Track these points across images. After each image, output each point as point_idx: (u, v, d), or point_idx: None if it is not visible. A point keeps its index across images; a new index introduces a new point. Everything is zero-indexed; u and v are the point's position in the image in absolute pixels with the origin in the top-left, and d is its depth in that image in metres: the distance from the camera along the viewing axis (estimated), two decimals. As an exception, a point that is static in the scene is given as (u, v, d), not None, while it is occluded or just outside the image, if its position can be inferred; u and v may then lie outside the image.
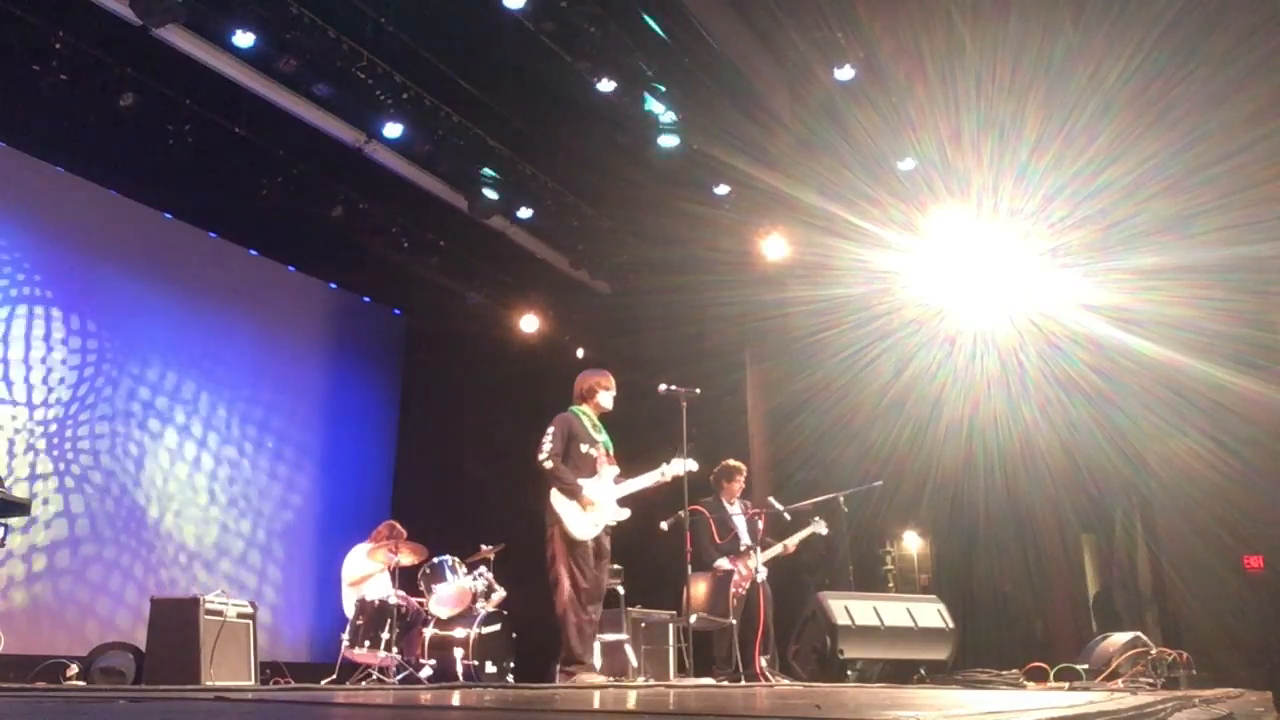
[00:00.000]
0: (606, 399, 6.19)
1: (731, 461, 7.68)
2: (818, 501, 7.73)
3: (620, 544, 8.13)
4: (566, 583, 5.73)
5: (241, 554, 10.12)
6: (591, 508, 5.84)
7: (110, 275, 9.45)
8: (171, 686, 5.54)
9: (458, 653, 7.11)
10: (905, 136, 9.08)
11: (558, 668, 5.81)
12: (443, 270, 10.51)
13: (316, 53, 7.54)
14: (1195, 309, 8.25)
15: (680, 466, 6.19)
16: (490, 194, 9.37)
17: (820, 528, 7.47)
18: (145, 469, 9.39)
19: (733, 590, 7.36)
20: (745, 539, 7.36)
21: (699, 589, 7.24)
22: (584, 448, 5.94)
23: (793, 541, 7.41)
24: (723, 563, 7.27)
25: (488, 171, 9.20)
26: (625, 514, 6.03)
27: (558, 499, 5.81)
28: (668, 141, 8.92)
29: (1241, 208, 8.16)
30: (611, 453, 6.19)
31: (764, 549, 7.35)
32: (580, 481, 5.84)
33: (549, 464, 5.80)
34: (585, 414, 6.11)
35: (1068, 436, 8.99)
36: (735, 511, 7.44)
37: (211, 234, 10.30)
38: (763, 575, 7.09)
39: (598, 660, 7.09)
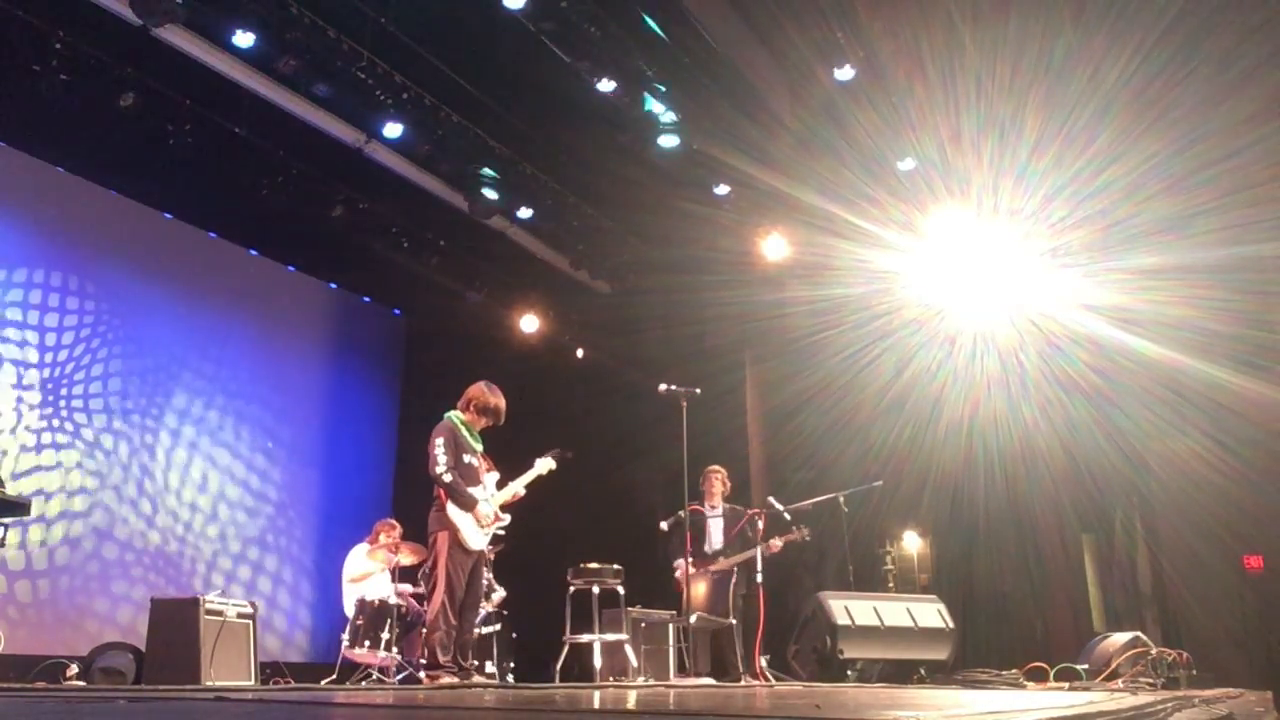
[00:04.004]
0: (481, 422, 6.02)
1: (710, 466, 7.66)
2: (818, 501, 7.74)
3: (621, 544, 8.16)
4: (443, 590, 5.62)
5: (242, 554, 10.12)
6: (484, 519, 5.82)
7: (110, 275, 9.45)
8: (171, 686, 5.54)
9: (458, 653, 7.11)
10: (905, 136, 9.08)
11: (422, 673, 5.75)
12: (443, 270, 10.50)
13: (316, 53, 7.53)
14: (1195, 309, 8.25)
15: (544, 465, 6.17)
16: (490, 194, 9.37)
17: (803, 535, 7.38)
18: (145, 468, 9.39)
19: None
20: (716, 543, 7.37)
21: (699, 589, 7.25)
22: (467, 458, 5.86)
23: (777, 543, 7.37)
24: (679, 563, 7.38)
25: (487, 171, 9.19)
26: (506, 519, 6.02)
27: (454, 511, 5.71)
28: (668, 141, 8.92)
29: (1241, 208, 8.16)
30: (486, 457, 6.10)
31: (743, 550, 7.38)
32: (471, 492, 5.79)
33: (448, 478, 5.69)
34: (464, 423, 5.97)
35: (1068, 436, 8.99)
36: (716, 514, 7.44)
37: (211, 234, 10.29)
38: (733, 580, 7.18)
39: (597, 660, 7.12)
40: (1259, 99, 8.10)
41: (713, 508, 7.49)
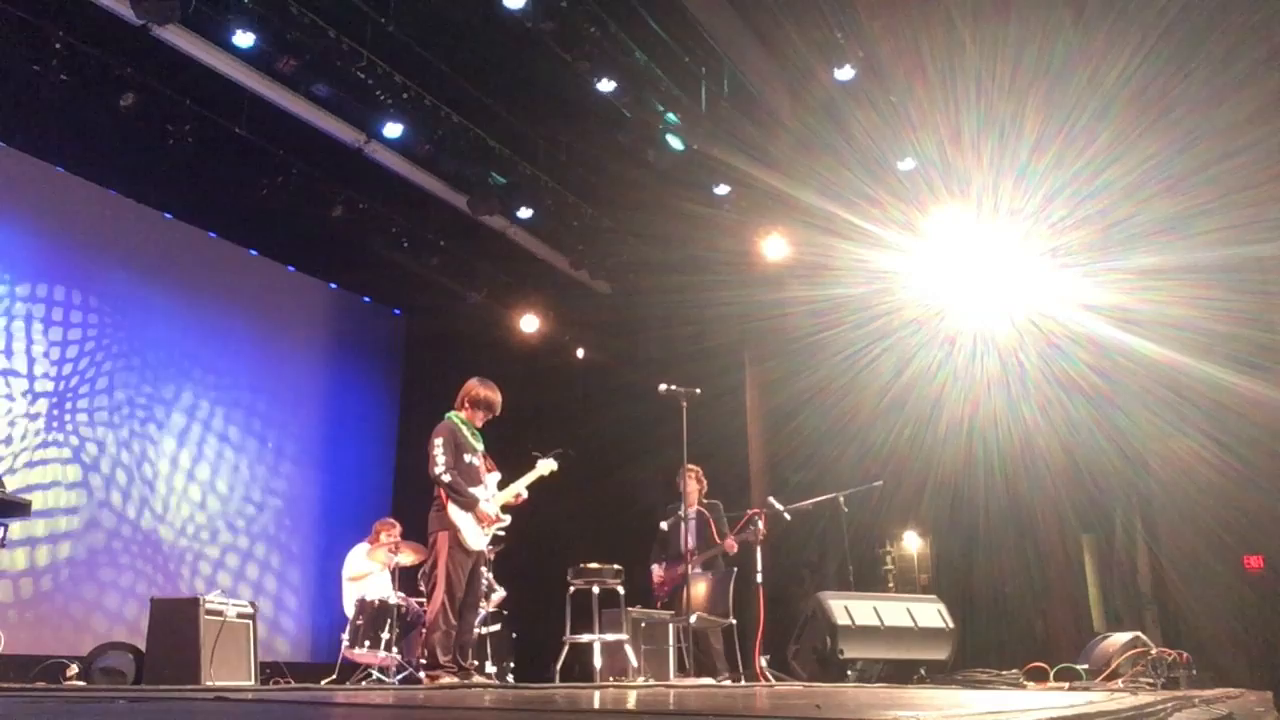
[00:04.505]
0: (479, 419, 6.03)
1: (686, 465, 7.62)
2: (818, 501, 7.75)
3: (621, 544, 8.17)
4: (443, 590, 5.61)
5: (241, 553, 10.12)
6: (485, 519, 5.81)
7: (110, 275, 9.45)
8: (171, 686, 5.54)
9: (458, 653, 7.11)
10: (905, 136, 9.07)
11: (422, 673, 5.75)
12: (443, 270, 10.50)
13: (316, 53, 7.53)
14: (1195, 309, 8.25)
15: (546, 466, 6.20)
16: (490, 194, 9.37)
17: (759, 535, 7.28)
18: (145, 468, 9.39)
19: (655, 595, 7.51)
20: (690, 543, 7.37)
21: (699, 589, 7.26)
22: (468, 457, 5.85)
23: (732, 541, 7.35)
24: (655, 568, 7.48)
25: (488, 171, 9.19)
26: (506, 520, 6.01)
27: (455, 511, 5.71)
28: (668, 141, 8.91)
29: (1241, 208, 8.15)
30: (487, 456, 6.09)
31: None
32: (473, 492, 5.78)
33: (447, 478, 5.69)
34: (465, 422, 5.97)
35: (1068, 436, 8.98)
36: (690, 516, 7.44)
37: (211, 234, 10.30)
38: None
39: (597, 660, 7.12)
40: (1259, 99, 8.09)
41: (689, 508, 7.47)
